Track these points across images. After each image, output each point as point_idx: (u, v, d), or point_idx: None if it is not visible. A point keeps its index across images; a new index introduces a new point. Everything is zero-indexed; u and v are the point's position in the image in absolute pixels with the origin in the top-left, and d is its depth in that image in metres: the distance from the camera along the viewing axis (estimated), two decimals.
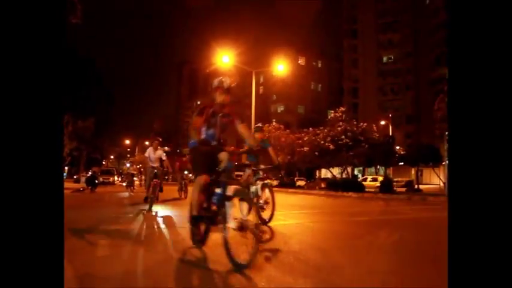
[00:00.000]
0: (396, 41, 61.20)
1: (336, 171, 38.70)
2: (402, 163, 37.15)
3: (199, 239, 3.83)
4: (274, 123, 40.55)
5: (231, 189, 3.35)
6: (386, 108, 55.51)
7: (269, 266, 3.16)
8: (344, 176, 35.07)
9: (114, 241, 4.38)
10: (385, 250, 4.20)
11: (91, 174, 20.83)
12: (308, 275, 2.90)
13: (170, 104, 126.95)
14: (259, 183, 5.90)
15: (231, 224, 3.18)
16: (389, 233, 5.26)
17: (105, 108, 42.62)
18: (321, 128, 34.15)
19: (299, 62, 70.15)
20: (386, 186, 23.52)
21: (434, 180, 37.74)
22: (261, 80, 66.31)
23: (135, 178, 20.96)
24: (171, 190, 14.84)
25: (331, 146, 31.27)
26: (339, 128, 32.53)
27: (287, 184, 34.02)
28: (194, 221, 3.79)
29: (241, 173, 6.60)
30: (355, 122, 34.07)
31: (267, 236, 4.82)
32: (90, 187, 19.03)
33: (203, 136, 3.77)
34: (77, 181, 33.58)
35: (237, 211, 3.41)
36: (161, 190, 9.91)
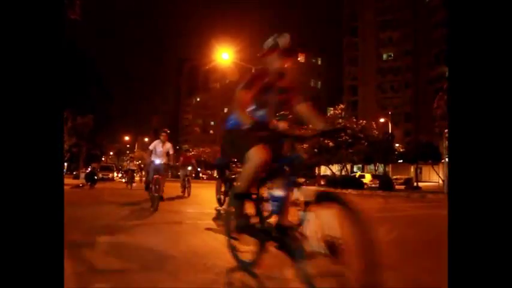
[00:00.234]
0: (396, 39, 61.13)
1: (335, 168, 38.75)
2: (401, 161, 37.23)
3: (248, 262, 2.67)
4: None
5: (308, 193, 2.22)
6: (386, 105, 55.53)
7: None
8: (343, 173, 35.12)
9: (114, 237, 4.38)
10: (384, 246, 4.22)
11: (90, 171, 20.84)
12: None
13: (170, 100, 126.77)
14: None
15: (316, 247, 2.05)
16: (388, 229, 5.25)
17: (105, 105, 42.56)
18: None
19: (299, 59, 70.12)
20: (386, 184, 23.55)
21: (434, 177, 37.82)
22: None
23: (135, 174, 20.83)
24: (172, 187, 13.50)
25: (331, 143, 31.29)
26: (339, 126, 32.54)
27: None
28: (241, 229, 2.62)
29: None
30: (354, 120, 34.10)
31: None
32: (89, 183, 19.04)
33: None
34: (77, 177, 33.59)
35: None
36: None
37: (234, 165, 7.64)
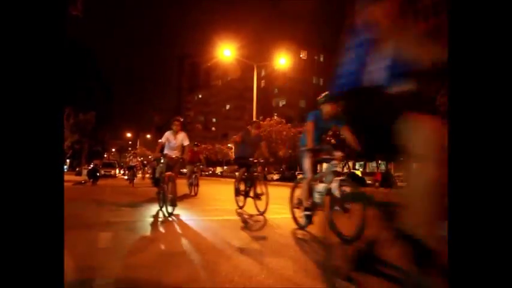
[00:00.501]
0: None
1: None
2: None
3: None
4: (275, 117, 40.54)
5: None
6: None
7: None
8: (345, 170, 35.11)
9: (116, 233, 4.40)
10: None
11: (92, 167, 20.87)
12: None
13: (171, 97, 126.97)
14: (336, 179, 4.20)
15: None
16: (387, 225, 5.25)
17: (107, 102, 42.64)
18: None
19: (301, 56, 70.03)
20: (387, 181, 23.53)
21: None
22: (263, 73, 66.26)
23: (136, 171, 20.69)
24: (178, 184, 11.98)
25: (333, 141, 31.26)
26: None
27: (288, 178, 34.12)
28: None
29: None
30: None
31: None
32: (91, 180, 19.10)
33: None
34: (79, 174, 33.74)
35: None
36: None
37: (256, 162, 7.01)
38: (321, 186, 4.43)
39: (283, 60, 34.94)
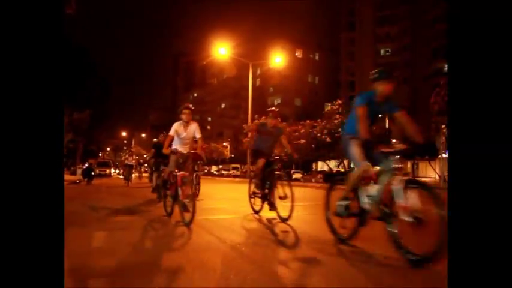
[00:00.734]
0: (394, 34, 61.07)
1: (333, 164, 38.84)
2: (398, 156, 37.18)
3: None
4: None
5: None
6: None
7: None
8: (341, 168, 35.21)
9: (111, 232, 4.37)
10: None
11: (87, 166, 20.75)
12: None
13: (167, 96, 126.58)
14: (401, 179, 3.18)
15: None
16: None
17: (101, 101, 42.37)
18: (318, 120, 34.25)
19: (296, 54, 70.01)
20: None
21: (430, 173, 37.96)
22: (258, 72, 66.16)
23: (133, 170, 20.35)
24: None
25: (328, 139, 31.35)
26: (336, 121, 32.64)
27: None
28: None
29: None
30: None
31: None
32: (86, 179, 19.00)
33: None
34: (73, 173, 33.51)
35: None
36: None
37: (278, 158, 5.85)
38: (374, 189, 3.44)
39: (278, 59, 34.95)
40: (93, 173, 20.11)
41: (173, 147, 5.78)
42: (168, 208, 5.75)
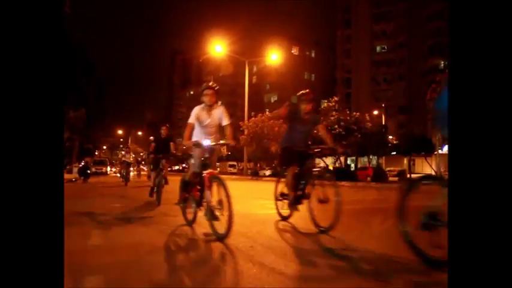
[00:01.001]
0: (390, 31, 61.16)
1: (329, 160, 38.92)
2: (395, 153, 37.45)
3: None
4: (267, 113, 40.47)
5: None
6: (379, 98, 55.79)
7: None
8: (337, 165, 35.31)
9: (109, 231, 4.37)
10: (379, 237, 4.24)
11: (83, 165, 20.73)
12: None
13: (162, 94, 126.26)
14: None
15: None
16: (381, 220, 5.25)
17: (98, 99, 42.22)
18: None
19: (292, 51, 70.03)
20: (379, 176, 23.72)
21: (427, 169, 38.14)
22: (254, 69, 66.15)
23: (131, 169, 19.44)
24: (171, 181, 9.13)
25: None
26: (332, 118, 32.73)
27: (279, 174, 34.14)
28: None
29: None
30: (348, 112, 34.20)
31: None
32: (82, 177, 18.96)
33: None
34: (70, 171, 33.42)
35: None
36: (166, 182, 7.65)
37: (317, 151, 4.93)
38: None
39: (274, 56, 34.96)
40: (89, 171, 20.07)
41: (194, 138, 4.57)
42: (188, 215, 4.66)
